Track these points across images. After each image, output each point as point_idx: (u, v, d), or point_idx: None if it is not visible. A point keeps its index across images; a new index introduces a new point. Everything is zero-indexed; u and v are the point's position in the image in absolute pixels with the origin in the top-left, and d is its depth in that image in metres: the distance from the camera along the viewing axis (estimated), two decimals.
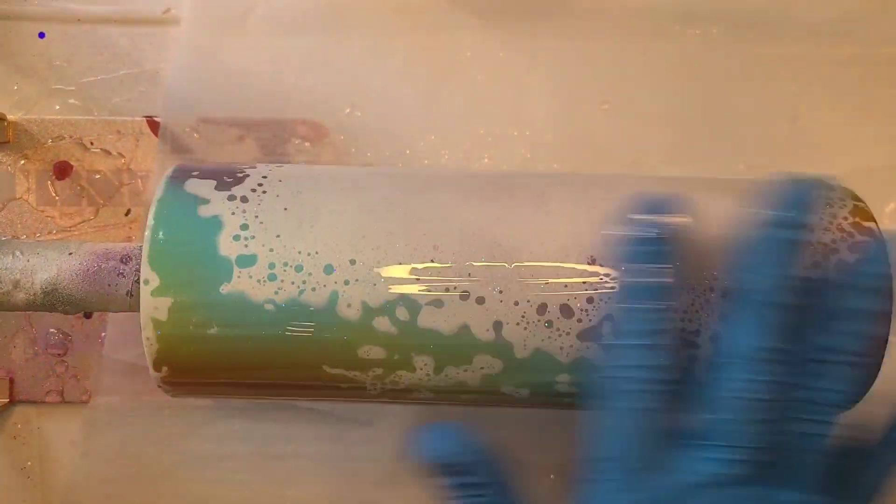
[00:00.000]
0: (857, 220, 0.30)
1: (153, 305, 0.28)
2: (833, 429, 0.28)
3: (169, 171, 0.31)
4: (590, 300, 0.28)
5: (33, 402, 0.41)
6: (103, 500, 0.40)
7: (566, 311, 0.28)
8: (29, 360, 0.40)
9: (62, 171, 0.40)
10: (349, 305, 0.28)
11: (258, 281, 0.28)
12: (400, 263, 0.28)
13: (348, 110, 0.41)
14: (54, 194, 0.40)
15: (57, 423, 0.41)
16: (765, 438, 0.26)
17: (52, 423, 0.41)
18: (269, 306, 0.28)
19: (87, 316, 0.40)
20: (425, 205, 0.29)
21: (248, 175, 0.30)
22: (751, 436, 0.26)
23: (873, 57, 0.41)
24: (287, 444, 0.40)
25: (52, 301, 0.31)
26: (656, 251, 0.27)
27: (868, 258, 0.29)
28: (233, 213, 0.29)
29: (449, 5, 0.41)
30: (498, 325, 0.29)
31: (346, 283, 0.28)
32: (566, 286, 0.28)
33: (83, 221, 0.40)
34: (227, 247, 0.28)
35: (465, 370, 0.29)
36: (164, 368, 0.30)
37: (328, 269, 0.28)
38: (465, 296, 0.28)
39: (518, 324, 0.29)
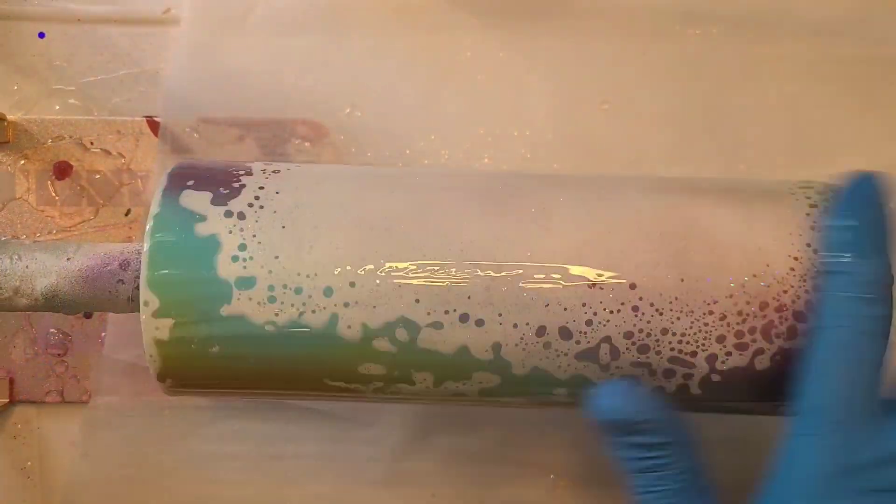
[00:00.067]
0: None
1: (154, 326, 0.29)
2: None
3: (164, 181, 0.30)
4: (588, 322, 0.28)
5: (33, 402, 0.41)
6: (103, 500, 0.40)
7: (565, 333, 0.29)
8: (29, 360, 0.40)
9: (62, 171, 0.40)
10: (349, 327, 0.28)
11: (258, 303, 0.28)
12: (399, 286, 0.28)
13: (348, 110, 0.41)
14: (54, 194, 0.40)
15: (57, 423, 0.41)
16: None
17: (52, 423, 0.41)
18: (270, 327, 0.29)
19: (87, 316, 0.40)
20: (425, 225, 0.29)
21: (244, 185, 0.30)
22: None
23: (873, 57, 0.41)
24: (287, 444, 0.41)
25: (53, 305, 0.31)
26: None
27: None
28: (230, 232, 0.28)
29: (449, 5, 0.41)
30: (497, 346, 0.29)
31: (346, 305, 0.28)
32: (566, 309, 0.28)
33: (83, 221, 0.40)
34: (226, 268, 0.28)
35: (464, 384, 0.30)
36: (168, 380, 0.30)
37: (328, 292, 0.28)
38: (464, 317, 0.28)
39: (517, 345, 0.29)
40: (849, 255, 0.28)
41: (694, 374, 0.29)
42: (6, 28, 0.41)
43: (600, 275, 0.28)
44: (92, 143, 0.40)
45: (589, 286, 0.28)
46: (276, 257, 0.28)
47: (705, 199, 0.30)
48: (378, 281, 0.28)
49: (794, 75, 0.41)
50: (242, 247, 0.28)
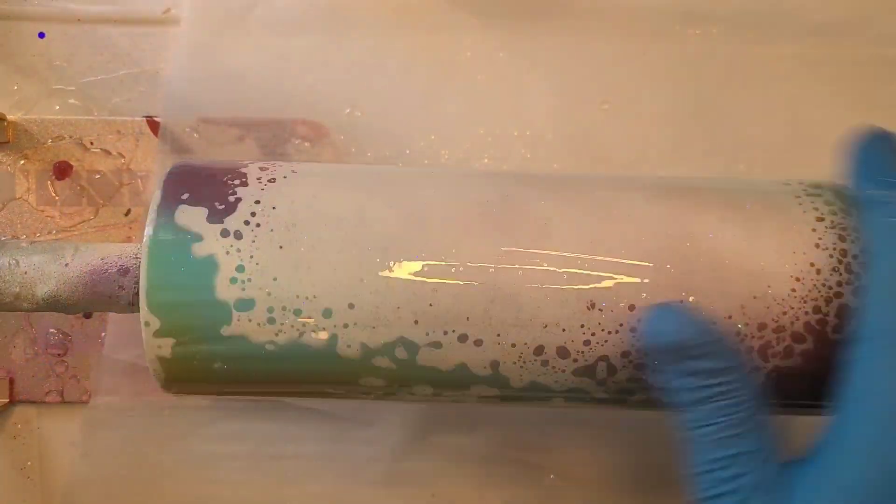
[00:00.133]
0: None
1: (156, 344, 0.29)
2: None
3: (159, 196, 0.29)
4: (586, 343, 0.28)
5: (33, 402, 0.41)
6: (103, 500, 0.40)
7: (563, 352, 0.29)
8: (29, 360, 0.40)
9: (62, 171, 0.40)
10: (349, 346, 0.29)
11: (258, 324, 0.28)
12: (399, 308, 0.28)
13: (348, 110, 0.41)
14: (54, 194, 0.40)
15: (57, 423, 0.41)
16: None
17: (52, 423, 0.41)
18: (270, 346, 0.29)
19: (87, 316, 0.40)
20: (423, 246, 0.29)
21: (239, 199, 0.29)
22: None
23: (873, 57, 0.41)
24: (287, 444, 0.41)
25: (55, 308, 0.31)
26: None
27: None
28: (227, 253, 0.28)
29: (449, 5, 0.41)
30: (495, 364, 0.29)
31: (346, 326, 0.28)
32: (564, 330, 0.28)
33: (83, 221, 0.40)
34: (225, 290, 0.28)
35: (462, 394, 0.30)
36: (173, 389, 0.31)
37: (327, 313, 0.28)
38: (462, 337, 0.28)
39: (514, 363, 0.29)
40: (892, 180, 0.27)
41: None
42: (6, 28, 0.41)
43: (599, 299, 0.28)
44: (92, 143, 0.40)
45: (588, 308, 0.28)
46: (275, 279, 0.28)
47: (710, 215, 0.29)
48: (377, 303, 0.28)
49: (794, 75, 0.41)
50: (240, 268, 0.28)
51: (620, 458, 0.40)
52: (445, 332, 0.28)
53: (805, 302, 0.28)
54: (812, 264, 0.28)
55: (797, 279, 0.28)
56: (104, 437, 0.40)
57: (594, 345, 0.28)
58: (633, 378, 0.29)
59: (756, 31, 0.41)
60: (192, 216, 0.29)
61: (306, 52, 0.41)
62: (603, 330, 0.28)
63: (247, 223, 0.29)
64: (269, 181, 0.30)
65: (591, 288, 0.28)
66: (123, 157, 0.40)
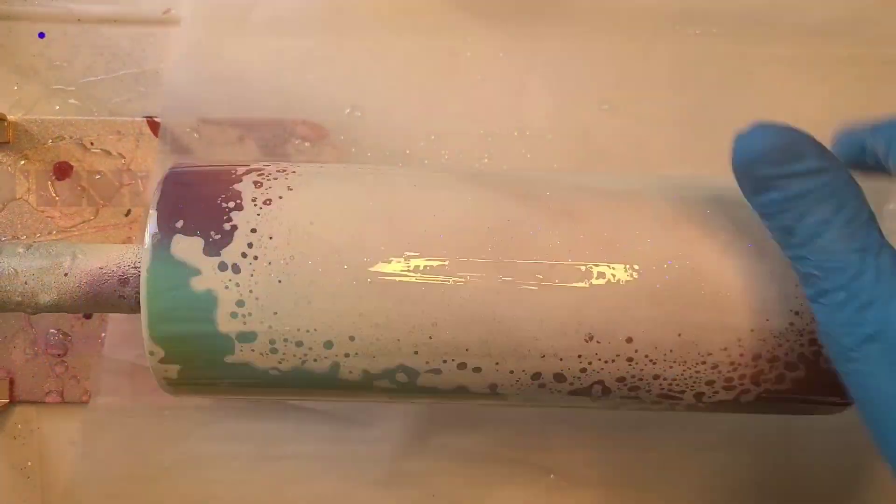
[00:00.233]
0: None
1: (163, 369, 0.29)
2: None
3: (153, 226, 0.29)
4: (583, 370, 0.29)
5: (33, 403, 0.41)
6: (103, 500, 0.40)
7: (559, 377, 0.29)
8: (29, 360, 0.40)
9: (62, 171, 0.40)
10: (350, 372, 0.29)
11: (261, 353, 0.29)
12: (398, 340, 0.28)
13: (348, 110, 0.41)
14: (54, 195, 0.40)
15: (57, 423, 0.41)
16: None
17: (52, 424, 0.41)
18: (274, 371, 0.29)
19: (87, 316, 0.40)
20: (423, 281, 0.28)
21: (235, 227, 0.29)
22: None
23: (873, 57, 0.41)
24: (287, 444, 0.41)
25: (58, 311, 0.31)
26: None
27: None
28: (226, 287, 0.28)
29: (449, 5, 0.41)
30: (493, 386, 0.29)
31: (347, 355, 0.29)
32: (561, 360, 0.29)
33: (83, 222, 0.40)
34: (226, 323, 0.28)
35: (463, 402, 0.31)
36: (179, 395, 0.31)
37: (328, 345, 0.28)
38: (462, 365, 0.29)
39: (512, 385, 0.29)
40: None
41: (681, 403, 0.30)
42: (6, 28, 0.41)
43: (598, 332, 0.28)
44: (92, 144, 0.40)
45: (586, 340, 0.28)
46: (275, 313, 0.28)
47: (714, 244, 0.29)
48: (377, 335, 0.28)
49: (793, 75, 0.41)
50: (240, 303, 0.28)
51: (620, 458, 0.40)
52: (445, 361, 0.29)
53: (802, 335, 0.28)
54: None
55: (796, 313, 0.28)
56: (104, 437, 0.40)
57: (591, 371, 0.29)
58: (626, 397, 0.30)
59: (756, 31, 0.41)
60: (188, 248, 0.28)
61: (306, 52, 0.41)
62: (600, 360, 0.29)
63: (244, 255, 0.28)
64: (264, 203, 0.29)
65: (589, 321, 0.28)
66: (124, 157, 0.40)
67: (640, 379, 0.29)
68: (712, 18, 0.41)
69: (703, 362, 0.29)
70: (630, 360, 0.28)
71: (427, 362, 0.29)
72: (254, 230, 0.29)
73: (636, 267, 0.28)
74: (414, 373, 0.29)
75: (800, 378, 0.29)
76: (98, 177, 0.40)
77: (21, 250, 0.31)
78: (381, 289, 0.28)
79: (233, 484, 0.40)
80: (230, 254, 0.28)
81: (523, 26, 0.41)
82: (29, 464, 0.41)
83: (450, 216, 0.29)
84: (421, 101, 0.41)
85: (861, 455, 0.40)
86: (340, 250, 0.28)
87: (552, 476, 0.41)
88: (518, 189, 0.30)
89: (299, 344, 0.28)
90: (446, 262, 0.28)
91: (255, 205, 0.29)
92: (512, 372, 0.29)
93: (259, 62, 0.41)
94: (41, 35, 0.41)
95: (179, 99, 0.40)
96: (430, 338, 0.28)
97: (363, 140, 0.40)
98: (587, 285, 0.28)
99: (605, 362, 0.29)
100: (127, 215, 0.40)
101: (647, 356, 0.28)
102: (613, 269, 0.28)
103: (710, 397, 0.30)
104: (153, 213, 0.29)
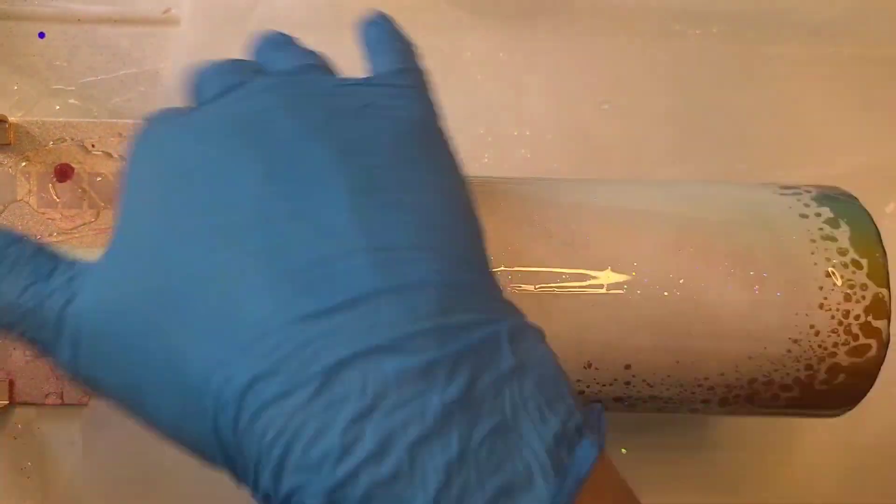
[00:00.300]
0: (870, 318, 0.29)
1: None
2: None
3: None
4: (581, 392, 0.29)
5: (33, 405, 0.41)
6: (103, 500, 0.40)
7: None
8: (29, 362, 0.40)
9: (63, 173, 0.40)
10: None
11: None
12: None
13: None
14: (55, 197, 0.40)
15: (57, 423, 0.41)
16: None
17: (52, 424, 0.41)
18: None
19: None
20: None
21: None
22: None
23: (873, 57, 0.41)
24: None
25: None
26: None
27: None
28: None
29: (449, 5, 0.41)
30: None
31: None
32: None
33: (84, 224, 0.40)
34: None
35: None
36: None
37: None
38: None
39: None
40: None
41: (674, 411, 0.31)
42: (6, 28, 0.41)
43: (597, 359, 0.29)
44: (93, 146, 0.40)
45: (584, 367, 0.29)
46: None
47: (715, 272, 0.28)
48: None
49: (794, 75, 0.41)
50: None
51: (620, 458, 0.40)
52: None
53: (798, 361, 0.28)
54: (812, 326, 0.28)
55: (794, 341, 0.28)
56: (104, 438, 0.40)
57: (588, 393, 0.29)
58: (623, 409, 0.30)
59: (756, 31, 0.41)
60: None
61: None
62: (598, 383, 0.29)
63: None
64: None
65: (589, 349, 0.28)
66: (125, 159, 0.40)
67: (637, 399, 0.29)
68: (712, 18, 0.41)
69: (700, 385, 0.29)
70: (627, 383, 0.29)
71: None
72: None
73: (636, 295, 0.28)
74: None
75: (794, 397, 0.29)
76: (99, 179, 0.40)
77: None
78: None
79: (232, 484, 0.40)
80: None
81: (523, 26, 0.41)
82: (29, 464, 0.41)
83: None
84: None
85: (862, 455, 0.40)
86: None
87: None
88: (518, 210, 0.30)
89: None
90: None
91: None
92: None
93: None
94: (41, 35, 0.41)
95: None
96: None
97: None
98: (587, 315, 0.28)
99: (603, 385, 0.29)
100: None
101: (644, 380, 0.29)
102: (613, 298, 0.28)
103: (702, 410, 0.30)
104: None
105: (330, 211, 0.20)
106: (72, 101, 0.41)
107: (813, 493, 0.40)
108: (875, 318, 0.28)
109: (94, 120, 0.40)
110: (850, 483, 0.39)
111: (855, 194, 0.31)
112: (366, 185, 0.21)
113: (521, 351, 0.20)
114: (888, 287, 0.28)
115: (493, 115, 0.41)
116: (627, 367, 0.28)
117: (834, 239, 0.29)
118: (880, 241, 0.29)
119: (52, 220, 0.40)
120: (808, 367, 0.28)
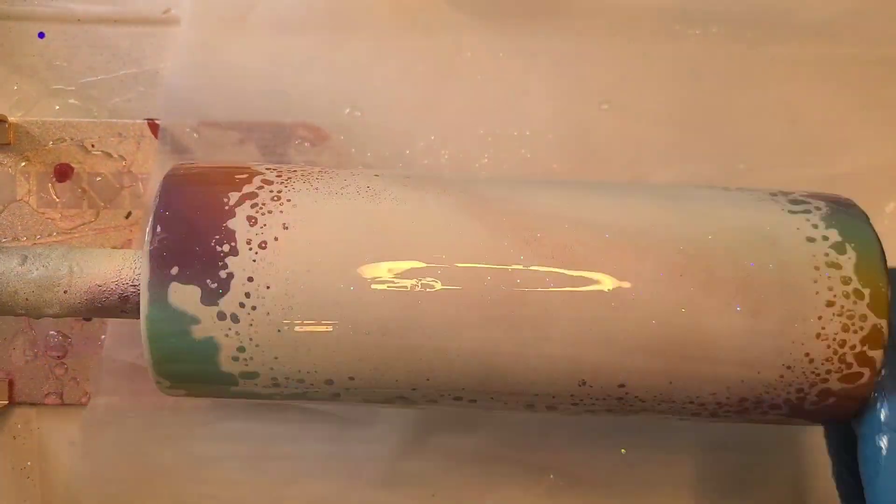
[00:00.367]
0: (866, 348, 0.28)
1: (171, 391, 0.30)
2: None
3: (147, 272, 0.28)
4: (574, 405, 0.30)
5: (33, 404, 0.41)
6: (103, 500, 0.40)
7: (551, 408, 0.30)
8: (28, 362, 0.40)
9: (63, 173, 0.40)
10: (351, 398, 0.30)
11: (263, 386, 0.30)
12: (397, 380, 0.29)
13: (348, 110, 0.41)
14: (55, 196, 0.40)
15: (56, 423, 0.41)
16: None
17: (52, 424, 0.41)
18: (277, 397, 0.30)
19: (87, 319, 0.40)
20: (422, 333, 0.28)
21: (232, 274, 0.28)
22: None
23: (873, 57, 0.41)
24: (287, 444, 0.41)
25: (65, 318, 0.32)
26: None
27: None
28: (227, 335, 0.28)
29: (449, 5, 0.41)
30: (489, 409, 0.31)
31: (347, 389, 0.30)
32: (554, 397, 0.30)
33: (84, 224, 0.40)
34: (229, 365, 0.29)
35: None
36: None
37: (328, 382, 0.29)
38: (458, 398, 0.30)
39: (504, 409, 0.31)
40: None
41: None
42: (6, 28, 0.41)
43: (591, 379, 0.29)
44: (93, 146, 0.40)
45: (579, 385, 0.29)
46: (276, 357, 0.29)
47: (713, 300, 0.28)
48: (376, 376, 0.29)
49: (794, 75, 0.41)
50: (241, 349, 0.28)
51: (620, 458, 0.41)
52: (442, 395, 0.30)
53: (790, 385, 0.28)
54: (807, 354, 0.28)
55: (788, 367, 0.28)
56: (104, 438, 0.40)
57: (580, 405, 0.30)
58: (616, 418, 0.31)
59: (756, 31, 0.41)
60: (185, 296, 0.28)
61: (306, 52, 0.41)
62: (591, 398, 0.29)
63: (242, 305, 0.28)
64: (259, 247, 0.28)
65: (583, 369, 0.29)
66: (125, 159, 0.40)
67: (629, 411, 0.30)
68: (712, 18, 0.41)
69: (692, 402, 0.29)
70: (620, 399, 0.29)
71: (424, 396, 0.30)
72: (250, 279, 0.28)
73: (632, 319, 0.28)
74: (411, 403, 0.30)
75: (782, 414, 0.30)
76: (99, 179, 0.40)
77: (17, 265, 0.30)
78: (379, 339, 0.28)
79: (232, 484, 0.40)
80: (228, 304, 0.28)
81: (523, 26, 0.41)
82: (29, 464, 0.41)
83: (447, 264, 0.28)
84: (421, 102, 0.41)
85: None
86: (339, 303, 0.28)
87: (552, 476, 0.41)
88: (517, 227, 0.29)
89: (301, 381, 0.29)
90: (444, 313, 0.28)
91: (251, 248, 0.28)
92: (506, 403, 0.30)
93: (259, 62, 0.41)
94: (41, 35, 0.41)
95: (179, 99, 0.40)
96: (428, 380, 0.29)
97: (363, 140, 0.40)
98: (582, 337, 0.28)
99: (597, 400, 0.29)
100: (127, 217, 0.40)
101: (637, 397, 0.29)
102: (609, 321, 0.28)
103: (693, 421, 0.31)
104: (146, 263, 0.28)
105: None
106: (72, 101, 0.41)
107: (813, 493, 0.40)
108: (871, 348, 0.28)
109: (94, 120, 0.40)
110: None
111: (855, 194, 0.31)
112: None
113: None
114: (887, 318, 0.28)
115: (493, 115, 0.41)
116: (621, 385, 0.29)
117: (839, 266, 0.28)
118: (885, 269, 0.29)
119: (52, 219, 0.40)
120: (800, 390, 0.29)
